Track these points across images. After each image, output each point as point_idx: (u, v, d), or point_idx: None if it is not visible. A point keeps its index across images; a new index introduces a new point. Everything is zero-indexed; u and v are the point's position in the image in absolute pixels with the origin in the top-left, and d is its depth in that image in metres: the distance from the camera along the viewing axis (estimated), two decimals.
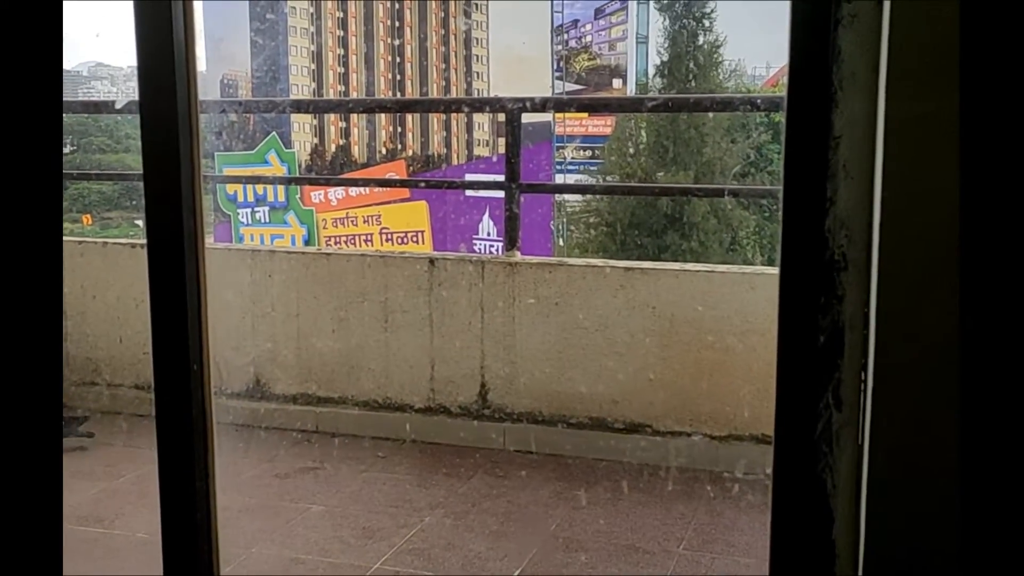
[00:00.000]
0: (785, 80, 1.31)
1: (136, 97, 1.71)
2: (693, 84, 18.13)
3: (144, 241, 1.72)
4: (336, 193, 19.39)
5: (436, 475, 4.25)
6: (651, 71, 20.21)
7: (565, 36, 23.33)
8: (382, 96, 26.38)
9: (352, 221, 19.47)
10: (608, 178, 19.01)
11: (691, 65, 18.47)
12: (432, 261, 4.61)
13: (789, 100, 1.30)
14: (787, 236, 1.34)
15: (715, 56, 18.79)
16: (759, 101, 6.21)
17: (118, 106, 6.26)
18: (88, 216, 23.62)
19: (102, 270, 5.09)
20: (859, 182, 1.29)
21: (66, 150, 24.66)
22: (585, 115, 20.89)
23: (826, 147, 1.29)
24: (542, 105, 7.18)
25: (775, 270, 1.42)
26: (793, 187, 1.32)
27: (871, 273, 1.30)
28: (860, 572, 1.37)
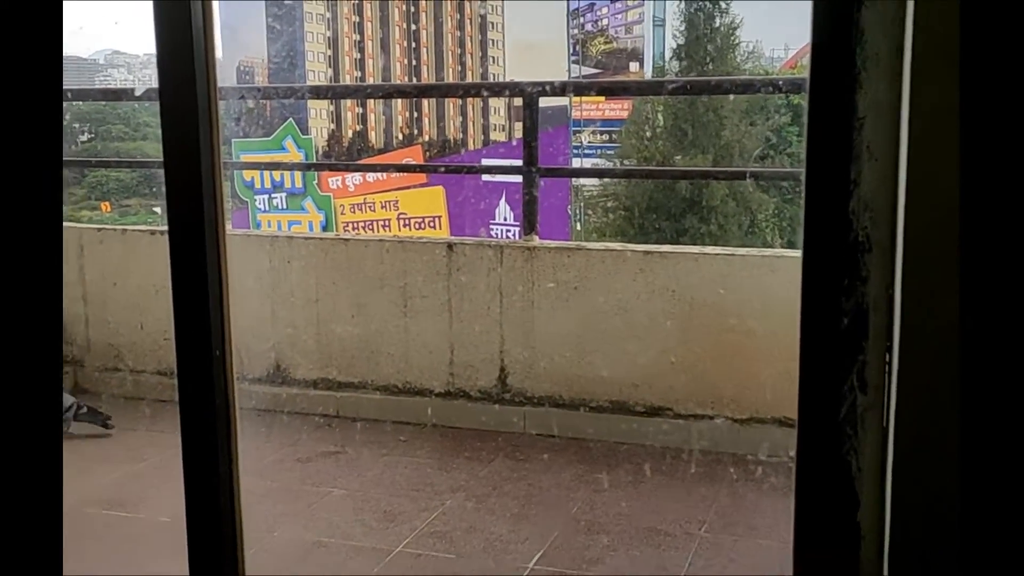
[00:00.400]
0: (804, 62, 1.30)
1: (154, 84, 1.72)
2: (710, 67, 18.02)
3: (163, 228, 1.73)
4: (353, 179, 19.41)
5: (457, 459, 4.27)
6: (668, 54, 20.10)
7: (581, 19, 23.22)
8: (398, 81, 26.36)
9: (370, 207, 19.50)
10: (626, 162, 18.94)
11: (708, 48, 18.35)
12: (450, 246, 4.61)
13: (812, 81, 1.29)
14: (810, 218, 1.33)
15: (732, 38, 18.66)
16: (781, 83, 6.16)
17: (137, 93, 6.28)
18: (107, 203, 23.73)
19: (122, 257, 5.12)
20: (883, 163, 1.28)
21: (84, 138, 24.78)
22: (602, 99, 20.79)
23: (850, 128, 1.28)
24: (561, 89, 7.15)
25: (796, 253, 1.41)
26: (816, 169, 1.31)
27: (896, 255, 1.29)
28: (886, 555, 1.36)
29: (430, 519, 3.71)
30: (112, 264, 5.13)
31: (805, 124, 1.32)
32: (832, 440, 1.37)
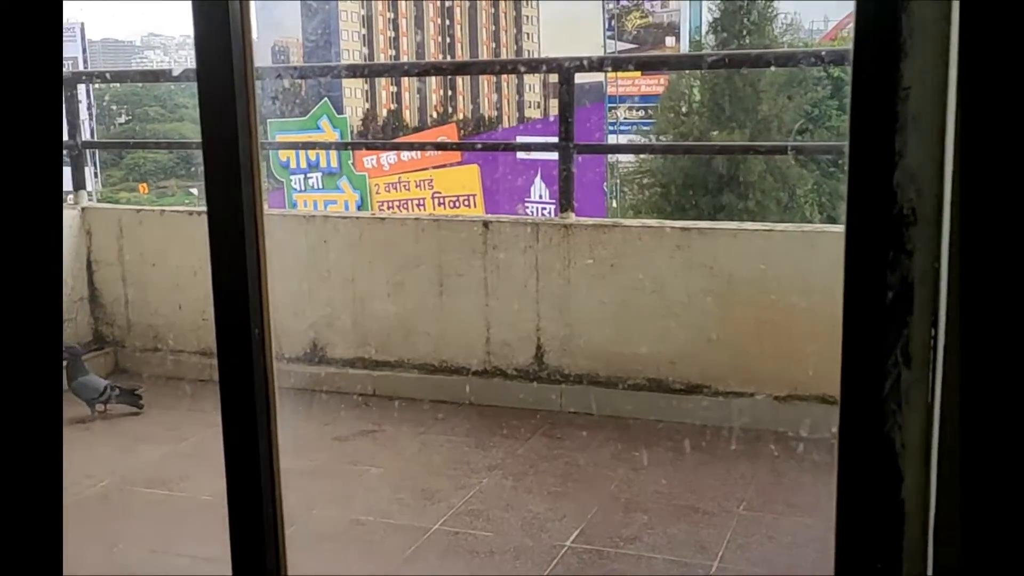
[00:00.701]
0: (845, 34, 1.27)
1: (191, 65, 1.72)
2: (747, 40, 17.82)
3: (201, 209, 1.73)
4: (388, 158, 19.45)
5: (494, 437, 4.27)
6: (704, 28, 19.91)
7: None
8: (433, 59, 26.33)
9: (404, 186, 19.54)
10: (661, 138, 18.80)
11: (745, 21, 18.15)
12: (487, 224, 4.61)
13: (856, 50, 1.26)
14: (853, 191, 1.30)
15: (770, 11, 18.45)
16: (824, 54, 6.08)
17: (175, 74, 6.31)
18: (144, 185, 23.96)
19: (161, 238, 5.16)
20: (930, 135, 1.25)
21: (121, 120, 25.00)
22: (638, 75, 20.64)
23: (895, 98, 1.25)
24: (599, 64, 7.11)
25: (836, 228, 1.39)
26: (860, 140, 1.28)
27: (942, 227, 1.26)
28: (930, 532, 1.34)
29: (467, 497, 3.72)
30: (151, 245, 5.17)
31: (849, 95, 1.29)
32: (875, 416, 1.35)
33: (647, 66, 21.88)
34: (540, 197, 18.16)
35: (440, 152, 19.99)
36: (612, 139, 20.85)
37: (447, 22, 26.57)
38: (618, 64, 16.16)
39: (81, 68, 20.00)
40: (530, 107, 25.28)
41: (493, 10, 26.53)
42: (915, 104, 1.25)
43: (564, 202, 4.61)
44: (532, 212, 17.66)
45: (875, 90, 1.26)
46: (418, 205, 19.16)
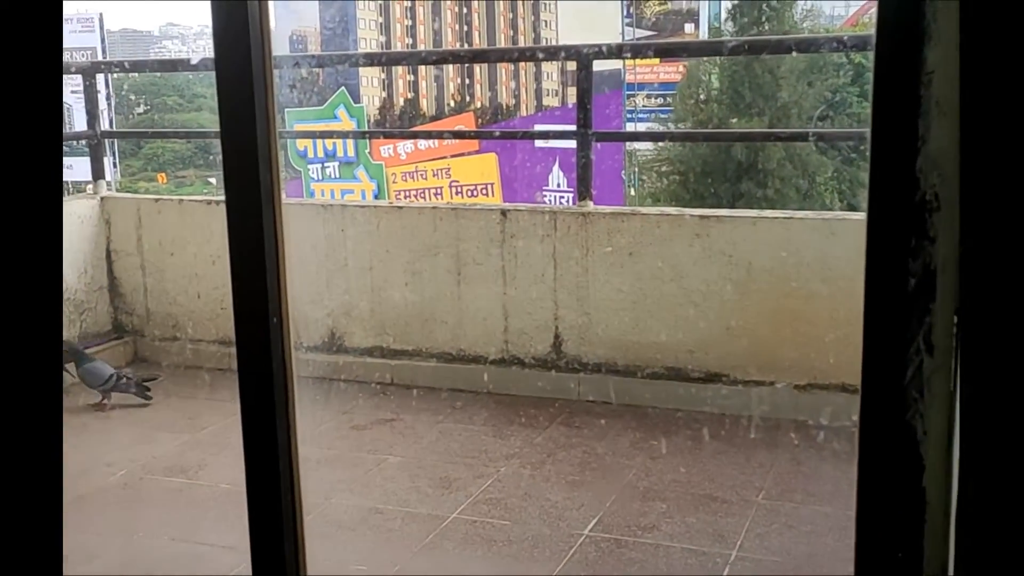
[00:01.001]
0: (865, 20, 1.25)
1: (209, 55, 1.72)
2: (767, 27, 17.71)
3: (219, 198, 1.73)
4: (405, 147, 19.46)
5: (512, 426, 4.27)
6: (723, 15, 19.79)
7: None
8: (450, 47, 26.28)
9: (421, 175, 19.54)
10: (680, 125, 18.72)
11: (765, 7, 18.03)
12: (504, 212, 4.60)
13: (879, 33, 1.24)
14: (876, 176, 1.29)
15: None
16: (846, 39, 6.04)
17: (193, 63, 6.33)
18: (163, 175, 24.07)
19: (179, 227, 5.17)
20: (953, 119, 1.23)
21: (139, 110, 25.11)
22: (656, 62, 20.54)
23: (918, 83, 1.23)
24: (617, 50, 7.08)
25: (857, 215, 1.38)
26: (883, 126, 1.26)
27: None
28: (952, 520, 1.33)
29: (485, 486, 3.72)
30: (170, 234, 5.19)
31: (871, 81, 1.27)
32: (897, 404, 1.34)
33: (666, 52, 21.83)
34: (558, 185, 18.13)
35: (457, 141, 19.96)
36: (631, 127, 20.77)
37: (465, 10, 26.52)
38: (637, 51, 16.06)
39: (100, 58, 20.07)
40: (548, 95, 25.21)
41: None
42: (939, 89, 1.24)
43: (582, 190, 4.59)
44: (550, 201, 17.64)
45: (898, 75, 1.25)
46: (435, 194, 19.16)
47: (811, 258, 4.08)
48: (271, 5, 1.69)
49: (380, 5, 26.13)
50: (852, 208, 16.57)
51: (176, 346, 5.19)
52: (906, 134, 1.25)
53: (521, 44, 25.70)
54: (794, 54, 15.64)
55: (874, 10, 1.28)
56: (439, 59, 20.23)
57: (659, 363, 4.35)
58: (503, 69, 24.89)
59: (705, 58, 18.23)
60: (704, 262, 4.24)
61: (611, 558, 3.22)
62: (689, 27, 22.25)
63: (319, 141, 18.87)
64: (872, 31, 1.27)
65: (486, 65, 24.75)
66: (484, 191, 19.05)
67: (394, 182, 19.56)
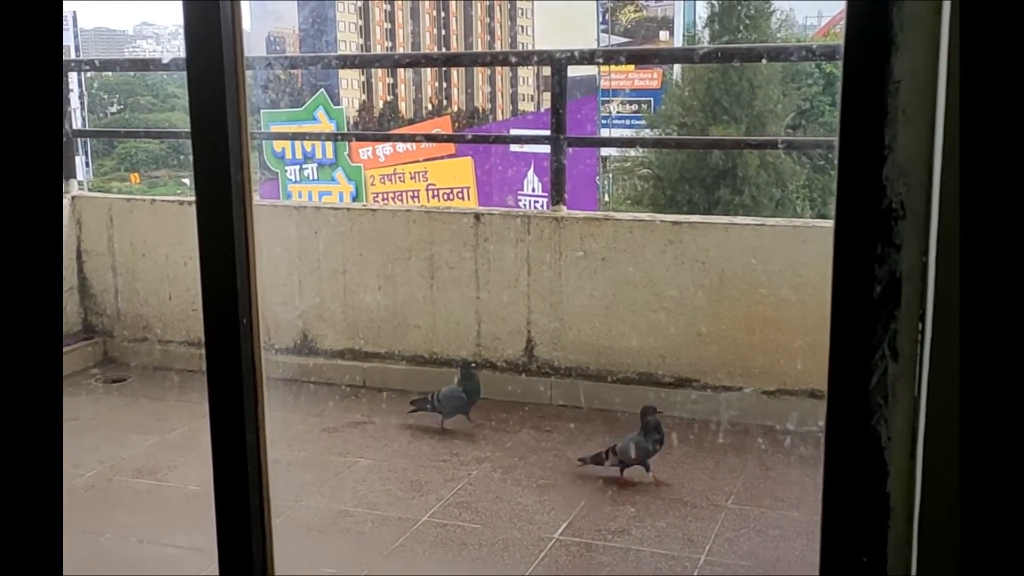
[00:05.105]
0: (837, 30, 1.26)
1: (182, 54, 1.71)
2: (742, 35, 17.80)
3: (192, 199, 1.72)
4: (384, 149, 19.42)
5: (483, 429, 4.27)
6: (699, 23, 19.89)
7: None
8: (427, 51, 26.27)
9: (399, 177, 19.51)
10: (666, 131, 18.75)
11: (741, 15, 18.13)
12: (478, 216, 4.60)
13: (847, 43, 1.26)
14: (843, 184, 1.30)
15: (766, 5, 18.43)
16: (815, 48, 6.08)
17: (164, 61, 6.30)
18: (136, 175, 23.88)
19: (151, 228, 5.14)
20: (919, 128, 1.25)
21: (113, 109, 24.91)
22: (631, 68, 20.60)
23: (885, 92, 1.25)
24: (590, 56, 7.08)
25: (826, 223, 1.39)
26: (850, 134, 1.28)
27: (931, 222, 1.26)
28: (915, 525, 1.35)
29: (456, 489, 3.72)
30: (141, 235, 5.15)
31: (839, 88, 1.29)
32: (862, 410, 1.35)
33: (639, 59, 21.85)
34: (533, 190, 18.13)
35: (435, 144, 19.92)
36: (605, 133, 20.81)
37: (443, 14, 26.52)
38: (609, 56, 16.10)
39: (73, 56, 19.92)
40: (524, 100, 25.26)
41: (488, 3, 26.48)
42: (905, 98, 1.25)
43: (556, 195, 4.60)
44: (525, 205, 17.64)
45: (865, 83, 1.26)
46: (412, 197, 19.13)
47: (782, 265, 4.11)
48: (248, 5, 1.69)
49: (359, 7, 26.09)
50: (822, 216, 16.67)
51: (146, 347, 5.15)
52: (873, 143, 1.27)
53: (497, 49, 25.75)
54: (764, 62, 15.73)
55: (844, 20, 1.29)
56: (412, 62, 20.22)
57: (630, 368, 4.36)
58: (480, 73, 24.93)
59: (683, 66, 18.34)
60: (676, 268, 4.26)
61: (581, 562, 3.23)
62: (664, 35, 22.34)
63: (297, 143, 18.81)
64: (842, 41, 1.28)
65: (463, 69, 24.76)
66: (460, 195, 19.04)
67: (372, 184, 19.51)
